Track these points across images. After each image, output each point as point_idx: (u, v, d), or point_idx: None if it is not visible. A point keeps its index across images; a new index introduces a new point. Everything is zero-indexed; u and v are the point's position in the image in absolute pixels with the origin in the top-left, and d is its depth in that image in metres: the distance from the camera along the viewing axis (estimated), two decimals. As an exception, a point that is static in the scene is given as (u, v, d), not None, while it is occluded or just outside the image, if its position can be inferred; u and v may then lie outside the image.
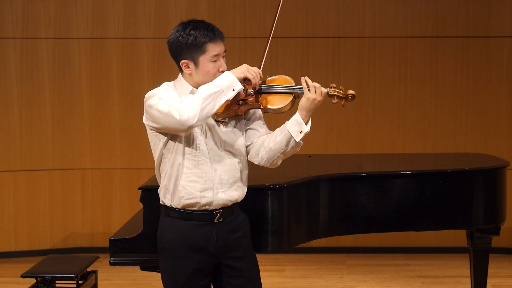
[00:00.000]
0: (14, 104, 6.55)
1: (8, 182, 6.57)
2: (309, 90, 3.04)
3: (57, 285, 4.60)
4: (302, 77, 3.08)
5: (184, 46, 3.07)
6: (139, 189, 3.79)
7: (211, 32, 3.04)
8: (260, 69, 3.12)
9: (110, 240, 3.74)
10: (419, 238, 6.60)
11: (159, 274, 3.87)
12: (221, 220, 3.10)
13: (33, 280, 4.59)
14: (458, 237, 6.21)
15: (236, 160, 3.12)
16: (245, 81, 3.05)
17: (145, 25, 6.60)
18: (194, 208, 3.09)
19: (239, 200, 3.18)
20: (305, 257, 6.37)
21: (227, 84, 2.96)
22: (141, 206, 3.79)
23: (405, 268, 6.16)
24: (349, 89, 3.11)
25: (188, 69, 3.07)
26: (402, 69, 6.60)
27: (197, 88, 3.05)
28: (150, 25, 6.60)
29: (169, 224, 3.12)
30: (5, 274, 6.11)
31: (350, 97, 3.10)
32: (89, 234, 6.71)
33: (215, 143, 3.09)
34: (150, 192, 3.73)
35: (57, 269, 4.58)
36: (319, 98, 3.03)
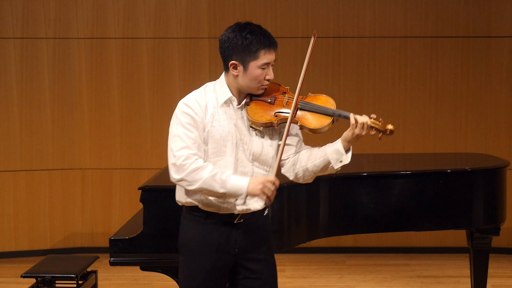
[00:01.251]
0: (14, 104, 6.55)
1: (8, 182, 6.57)
2: (356, 126, 2.98)
3: (57, 285, 4.61)
4: (351, 114, 3.01)
5: (238, 48, 3.03)
6: (139, 189, 3.80)
7: (267, 40, 3.03)
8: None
9: (110, 240, 3.74)
10: (419, 238, 6.61)
11: (159, 274, 3.88)
12: (242, 221, 3.09)
13: (33, 280, 4.59)
14: (458, 237, 6.21)
15: (262, 172, 3.11)
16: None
17: (145, 25, 6.60)
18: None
19: (261, 208, 3.16)
20: (305, 257, 6.37)
21: (233, 193, 2.96)
22: (141, 206, 3.79)
23: (405, 268, 6.16)
24: (389, 124, 3.04)
25: (235, 71, 3.05)
26: (402, 69, 6.60)
27: (237, 94, 3.06)
28: (150, 25, 6.60)
29: (190, 222, 3.11)
30: (5, 274, 6.11)
31: (388, 132, 3.03)
32: (89, 234, 6.71)
33: (244, 154, 3.08)
34: (150, 192, 3.73)
35: (57, 269, 4.58)
36: (364, 133, 3.01)
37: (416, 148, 6.56)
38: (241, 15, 6.56)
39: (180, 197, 3.12)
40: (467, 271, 5.28)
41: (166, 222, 3.71)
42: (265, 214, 2.95)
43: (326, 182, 4.05)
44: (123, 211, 6.64)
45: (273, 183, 2.91)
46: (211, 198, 3.02)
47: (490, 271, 4.67)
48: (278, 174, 3.14)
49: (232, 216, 3.07)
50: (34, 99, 6.57)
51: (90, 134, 6.65)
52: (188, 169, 2.96)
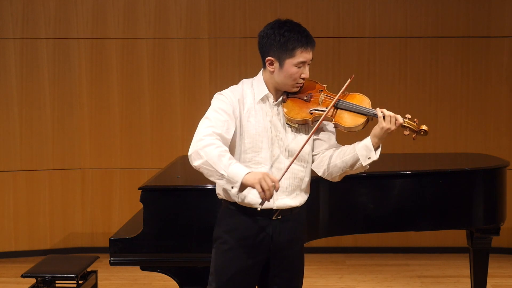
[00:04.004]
0: (14, 104, 6.55)
1: (8, 182, 6.57)
2: (384, 119, 3.02)
3: (57, 285, 4.61)
4: (378, 108, 3.05)
5: (275, 45, 3.03)
6: (139, 189, 3.79)
7: (305, 39, 3.03)
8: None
9: (110, 240, 3.74)
10: (419, 238, 6.61)
11: (159, 274, 3.88)
12: (280, 217, 3.08)
13: (33, 280, 4.59)
14: (458, 237, 6.21)
15: (299, 168, 3.11)
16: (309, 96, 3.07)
17: (145, 25, 6.60)
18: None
19: (300, 206, 3.16)
20: (305, 257, 6.36)
21: (231, 178, 2.89)
22: (141, 206, 3.79)
23: (405, 268, 6.16)
24: (423, 124, 3.06)
25: (271, 67, 3.06)
26: (402, 69, 6.60)
27: (273, 91, 3.07)
28: (150, 25, 6.60)
29: (227, 215, 3.10)
30: (5, 274, 6.11)
31: (422, 133, 3.06)
32: (89, 234, 6.71)
33: (280, 150, 3.09)
34: (150, 192, 3.73)
35: (57, 269, 4.58)
36: (392, 127, 3.03)
37: (416, 148, 6.55)
38: (241, 15, 6.56)
39: (220, 189, 3.12)
40: (467, 271, 5.28)
41: (166, 222, 3.71)
42: (258, 209, 2.92)
43: (326, 182, 4.04)
44: (123, 211, 6.64)
45: (273, 181, 2.87)
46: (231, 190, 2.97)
47: (490, 271, 4.67)
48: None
49: (271, 212, 3.07)
50: (34, 99, 6.57)
51: (90, 134, 6.65)
52: (203, 143, 2.93)
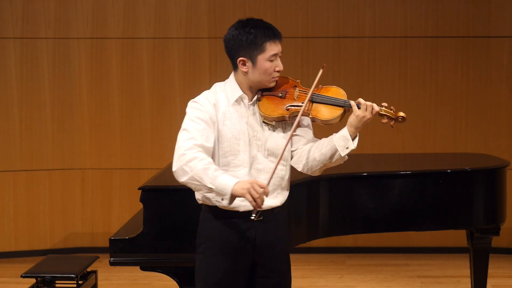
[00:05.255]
0: (14, 104, 6.55)
1: (8, 182, 6.57)
2: (359, 108, 3.01)
3: (57, 285, 4.60)
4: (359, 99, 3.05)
5: (243, 44, 3.03)
6: (139, 189, 3.79)
7: (271, 32, 3.04)
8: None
9: (110, 240, 3.74)
10: (419, 238, 6.60)
11: (159, 274, 3.88)
12: (261, 218, 3.07)
13: (33, 280, 4.59)
14: (458, 237, 6.21)
15: (280, 167, 3.09)
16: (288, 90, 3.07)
17: (145, 25, 6.60)
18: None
19: (280, 205, 3.15)
20: (305, 257, 6.37)
21: (219, 190, 2.90)
22: (141, 206, 3.79)
23: (405, 268, 6.16)
24: (400, 111, 3.07)
25: (244, 67, 3.05)
26: (402, 69, 6.60)
27: (248, 91, 3.07)
28: (150, 25, 6.60)
29: (209, 220, 3.09)
30: (5, 274, 6.11)
31: (400, 119, 3.06)
32: (89, 234, 6.71)
33: (259, 150, 3.08)
34: (150, 192, 3.73)
35: (57, 269, 4.58)
36: (368, 115, 3.02)
37: (416, 148, 6.55)
38: (241, 15, 6.52)
39: (199, 194, 3.10)
40: (467, 271, 5.28)
41: (166, 222, 3.71)
42: (252, 218, 2.91)
43: (326, 182, 4.05)
44: (123, 211, 6.64)
45: (262, 187, 2.87)
46: (209, 195, 2.99)
47: (490, 271, 4.67)
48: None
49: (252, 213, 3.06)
50: (34, 99, 6.57)
51: (90, 134, 6.65)
52: (186, 158, 2.94)
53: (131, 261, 3.75)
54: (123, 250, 3.73)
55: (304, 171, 3.14)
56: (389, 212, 4.19)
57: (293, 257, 6.88)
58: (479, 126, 6.58)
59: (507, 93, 6.55)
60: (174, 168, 2.97)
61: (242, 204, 3.00)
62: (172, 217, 3.71)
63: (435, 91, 6.59)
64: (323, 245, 6.26)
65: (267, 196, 2.91)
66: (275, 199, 3.10)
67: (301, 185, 3.88)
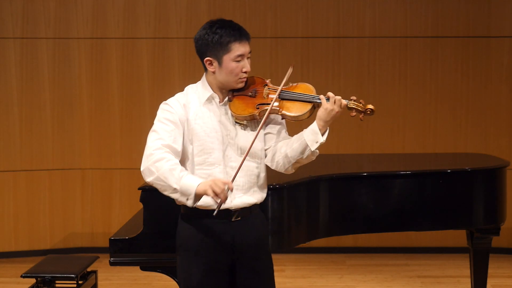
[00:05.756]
0: (14, 104, 6.55)
1: (8, 182, 6.57)
2: (327, 101, 3.02)
3: (57, 285, 4.60)
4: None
5: (209, 44, 3.08)
6: (139, 189, 3.80)
7: (237, 32, 3.05)
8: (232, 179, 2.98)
9: (110, 240, 3.75)
10: (419, 238, 6.60)
11: (159, 274, 3.88)
12: (239, 219, 3.08)
13: (33, 280, 4.59)
14: (458, 237, 6.21)
15: (253, 165, 3.10)
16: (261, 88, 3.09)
17: (145, 25, 6.60)
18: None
19: (258, 203, 3.16)
20: (305, 257, 6.37)
21: (184, 191, 2.93)
22: (141, 206, 3.80)
23: (405, 268, 6.16)
24: (369, 104, 3.09)
25: (211, 67, 3.08)
26: (402, 69, 6.60)
27: (219, 92, 3.09)
28: (150, 25, 6.60)
29: (187, 221, 3.10)
30: (5, 274, 6.11)
31: (369, 112, 3.09)
32: (89, 234, 6.71)
33: (232, 149, 3.09)
34: (150, 192, 3.73)
35: (57, 269, 4.58)
36: (337, 109, 3.02)
37: (416, 148, 6.55)
38: (241, 15, 6.56)
39: None
40: (467, 271, 5.27)
41: (166, 222, 3.71)
42: (214, 214, 2.91)
43: (326, 182, 4.05)
44: (123, 211, 6.64)
45: (225, 183, 2.88)
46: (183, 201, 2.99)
47: (490, 271, 4.67)
48: (275, 170, 3.13)
49: (229, 213, 3.06)
50: (34, 99, 6.57)
51: (90, 134, 6.65)
52: (153, 158, 3.00)
53: (131, 261, 3.75)
54: (123, 250, 3.73)
55: (278, 169, 3.15)
56: (389, 212, 4.19)
57: (293, 257, 6.93)
58: (479, 126, 6.57)
59: (507, 93, 6.55)
60: (141, 168, 3.05)
61: (214, 204, 3.00)
62: (172, 217, 3.70)
63: (435, 91, 6.59)
64: (323, 245, 6.26)
65: (231, 191, 2.93)
66: (251, 197, 3.11)
67: (301, 185, 3.88)
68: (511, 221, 5.29)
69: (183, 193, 2.93)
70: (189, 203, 2.93)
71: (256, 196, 3.13)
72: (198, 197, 2.91)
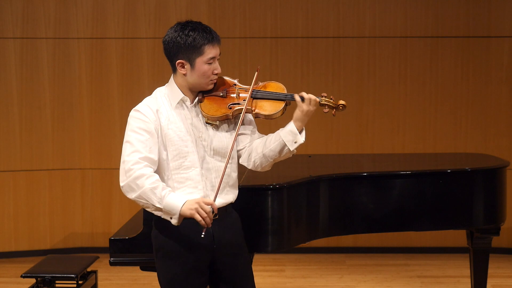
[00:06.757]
0: (14, 104, 6.55)
1: (8, 182, 6.57)
2: (303, 101, 3.06)
3: (57, 285, 4.61)
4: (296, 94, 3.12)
5: (182, 47, 3.11)
6: (139, 189, 3.78)
7: (209, 35, 3.08)
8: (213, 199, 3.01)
9: (110, 240, 3.75)
10: (419, 238, 6.60)
11: (159, 274, 3.87)
12: (217, 217, 3.09)
13: (33, 280, 4.59)
14: (458, 237, 6.21)
15: (224, 166, 3.12)
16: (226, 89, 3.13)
17: (145, 25, 6.60)
18: None
19: (233, 202, 3.22)
20: (305, 257, 6.37)
21: (168, 210, 2.96)
22: (141, 206, 3.79)
23: (405, 268, 6.16)
24: (340, 99, 3.16)
25: (183, 69, 3.12)
26: (402, 69, 6.60)
27: (189, 94, 3.11)
28: (150, 25, 6.60)
29: (164, 224, 3.09)
30: (5, 274, 6.11)
31: (341, 107, 3.14)
32: (89, 234, 6.71)
33: (205, 150, 3.11)
34: (150, 192, 3.72)
35: (57, 269, 4.58)
36: (312, 108, 3.08)
37: (416, 148, 6.56)
38: (241, 15, 6.56)
39: None
40: (467, 271, 5.27)
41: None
42: (202, 236, 2.93)
43: (326, 182, 4.05)
44: (123, 211, 6.64)
45: (209, 204, 2.93)
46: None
47: (490, 271, 4.67)
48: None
49: None
50: (34, 99, 6.57)
51: (90, 134, 6.65)
52: (133, 175, 2.97)
53: (131, 261, 3.75)
54: (123, 250, 3.73)
55: (254, 168, 3.19)
56: (389, 212, 4.19)
57: (293, 257, 6.93)
58: (479, 126, 6.58)
59: (507, 93, 6.55)
60: (121, 184, 3.01)
61: None
62: (172, 217, 3.71)
63: (435, 91, 6.59)
64: (323, 245, 6.27)
65: (216, 212, 2.97)
66: (226, 196, 3.16)
67: (301, 185, 3.88)
68: (511, 221, 5.30)
69: (166, 212, 2.97)
70: (174, 221, 2.97)
71: (230, 196, 3.18)
72: (182, 217, 2.96)
